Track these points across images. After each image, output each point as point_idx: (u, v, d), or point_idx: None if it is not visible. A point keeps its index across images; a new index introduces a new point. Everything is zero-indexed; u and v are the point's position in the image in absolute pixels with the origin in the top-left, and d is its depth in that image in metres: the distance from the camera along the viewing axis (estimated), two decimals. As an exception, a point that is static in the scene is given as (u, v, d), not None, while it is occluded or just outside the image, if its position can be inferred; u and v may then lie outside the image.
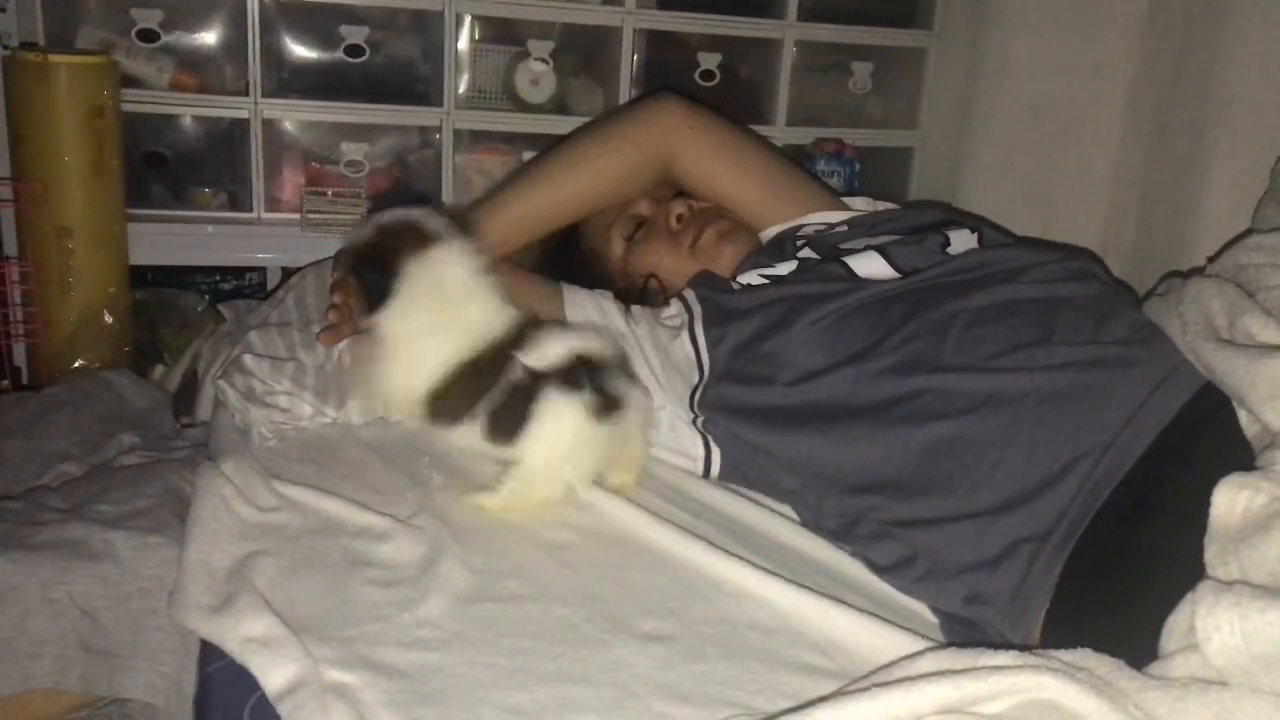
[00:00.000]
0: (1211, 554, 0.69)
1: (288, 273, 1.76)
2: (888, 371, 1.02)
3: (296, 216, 1.73)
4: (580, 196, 1.30)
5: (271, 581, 0.90)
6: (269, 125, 1.71)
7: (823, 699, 0.67)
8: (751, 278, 1.22)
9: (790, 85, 1.92)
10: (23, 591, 0.98)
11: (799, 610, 0.90)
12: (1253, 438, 0.82)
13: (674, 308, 1.24)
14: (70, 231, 1.49)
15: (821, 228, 1.30)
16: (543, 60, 1.80)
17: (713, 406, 1.14)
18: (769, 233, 1.35)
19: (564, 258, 1.40)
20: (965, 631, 0.91)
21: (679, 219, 1.35)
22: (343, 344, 1.16)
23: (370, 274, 1.06)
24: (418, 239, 1.06)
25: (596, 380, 1.00)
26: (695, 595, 0.93)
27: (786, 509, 1.11)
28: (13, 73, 1.47)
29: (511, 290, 1.26)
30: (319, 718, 0.73)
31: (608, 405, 1.00)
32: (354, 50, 1.72)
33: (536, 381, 1.00)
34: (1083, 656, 0.67)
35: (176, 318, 1.66)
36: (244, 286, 1.86)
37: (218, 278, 1.85)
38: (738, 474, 1.16)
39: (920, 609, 0.96)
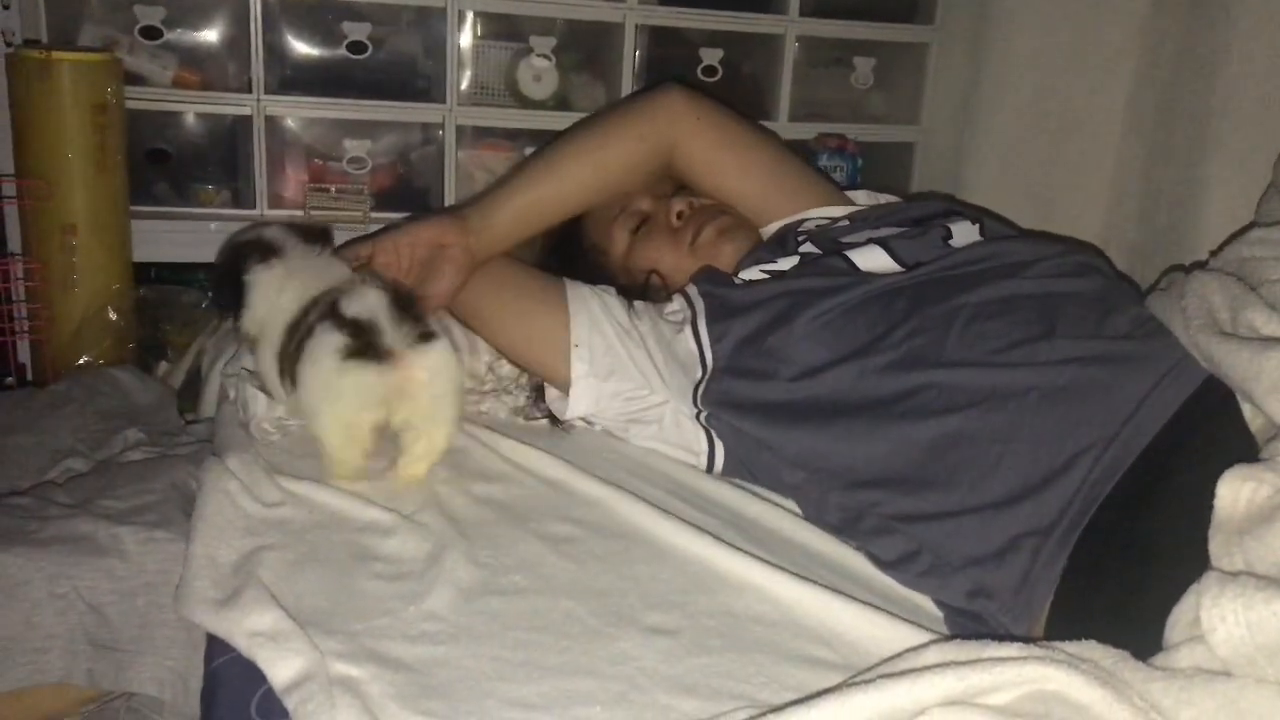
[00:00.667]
0: (1216, 546, 0.69)
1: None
2: (890, 367, 1.02)
3: (300, 213, 1.73)
4: (583, 189, 1.30)
5: (277, 576, 0.91)
6: (272, 122, 1.71)
7: (827, 691, 0.67)
8: (753, 273, 1.22)
9: (792, 81, 1.92)
10: (30, 587, 0.99)
11: (803, 603, 0.91)
12: (1256, 430, 0.82)
13: (676, 303, 1.24)
14: (74, 228, 1.49)
15: (824, 222, 1.31)
16: (545, 56, 1.80)
17: (716, 401, 1.14)
18: (771, 228, 1.35)
19: (567, 253, 1.40)
20: (969, 624, 0.91)
21: (679, 216, 1.35)
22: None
23: (223, 290, 1.14)
24: (261, 251, 1.13)
25: (357, 330, 1.03)
26: (699, 589, 0.93)
27: (790, 503, 1.11)
28: (16, 70, 1.47)
29: (512, 283, 1.26)
30: (326, 711, 0.74)
31: (361, 350, 1.02)
32: (356, 47, 1.72)
33: (316, 323, 1.04)
34: (1087, 648, 0.67)
35: (180, 314, 1.67)
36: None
37: (221, 274, 1.85)
38: (741, 469, 1.16)
39: (924, 602, 0.96)
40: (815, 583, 0.93)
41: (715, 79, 1.90)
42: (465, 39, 1.77)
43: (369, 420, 1.05)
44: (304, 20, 1.71)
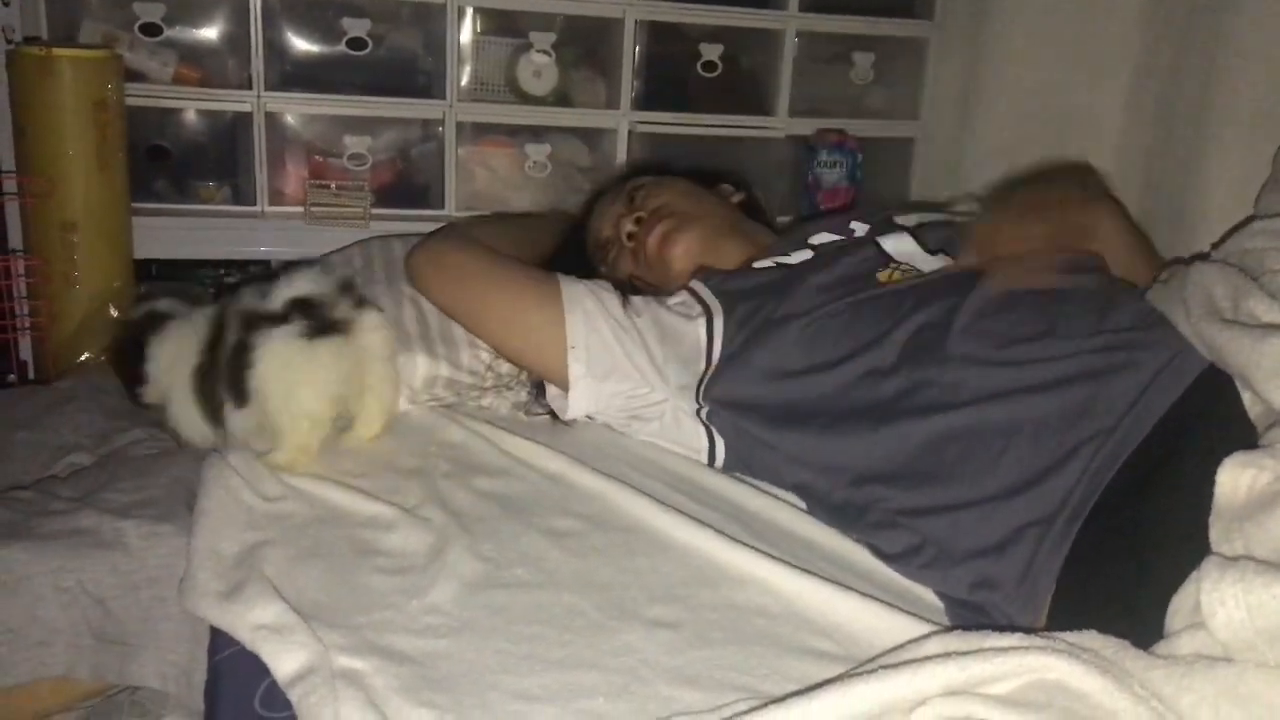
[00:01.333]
0: (1216, 533, 0.69)
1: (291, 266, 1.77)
2: (893, 365, 1.03)
3: (300, 210, 1.73)
4: None
5: (280, 570, 0.91)
6: (272, 119, 1.71)
7: (829, 682, 0.68)
8: (766, 263, 1.23)
9: (792, 76, 1.92)
10: (34, 581, 0.99)
11: (804, 596, 0.91)
12: (1256, 418, 0.82)
13: (680, 296, 1.24)
14: (75, 225, 1.49)
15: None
16: (545, 52, 1.80)
17: (717, 399, 1.15)
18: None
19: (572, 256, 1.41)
20: (971, 616, 0.91)
21: (629, 236, 1.36)
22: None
23: (129, 354, 1.20)
24: (153, 323, 1.19)
25: (306, 312, 1.06)
26: (701, 582, 0.93)
27: (791, 496, 1.11)
28: (16, 67, 1.47)
29: (508, 283, 1.26)
30: (330, 703, 0.74)
31: (321, 328, 1.06)
32: (356, 43, 1.72)
33: (247, 334, 1.07)
34: (1088, 637, 0.67)
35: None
36: (248, 280, 1.86)
37: (222, 271, 1.85)
38: (742, 465, 1.16)
39: (925, 593, 0.96)
40: (817, 575, 0.93)
41: (715, 74, 1.90)
42: (465, 35, 1.77)
43: (342, 396, 1.08)
44: (304, 16, 1.71)
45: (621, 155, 1.86)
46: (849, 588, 0.92)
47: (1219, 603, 0.61)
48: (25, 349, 1.57)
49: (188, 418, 1.16)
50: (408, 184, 1.83)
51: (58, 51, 1.45)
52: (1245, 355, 0.80)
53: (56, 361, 1.52)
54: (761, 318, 1.14)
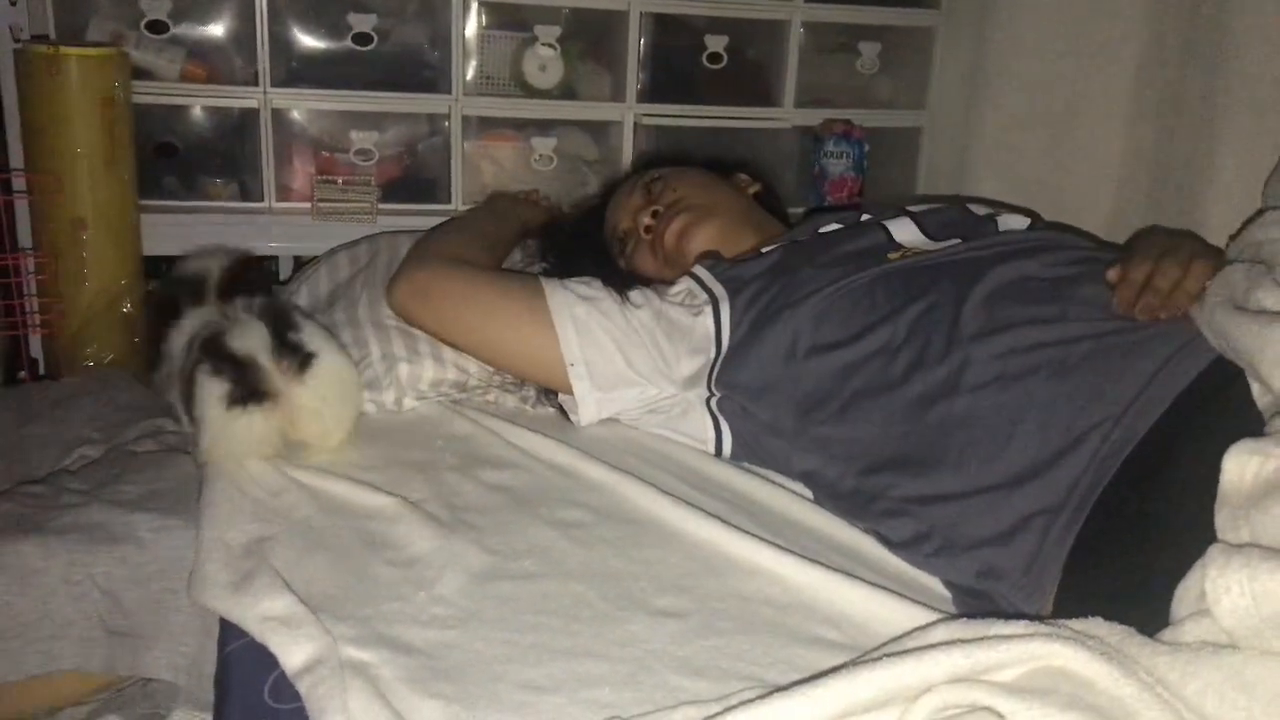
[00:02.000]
0: (1222, 520, 0.69)
1: (300, 262, 1.77)
2: (901, 348, 1.02)
3: (307, 205, 1.74)
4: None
5: (287, 562, 0.92)
6: (278, 115, 1.71)
7: (834, 670, 0.68)
8: (773, 248, 1.23)
9: (798, 67, 1.92)
10: (45, 574, 0.99)
11: (811, 585, 0.91)
12: (1264, 407, 0.81)
13: (681, 284, 1.24)
14: (84, 223, 1.50)
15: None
16: (550, 45, 1.80)
17: (728, 384, 1.15)
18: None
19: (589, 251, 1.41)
20: (978, 605, 0.91)
21: (647, 230, 1.35)
22: None
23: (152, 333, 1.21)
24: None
25: (238, 374, 1.06)
26: (708, 572, 0.93)
27: (798, 486, 1.11)
28: (25, 66, 1.48)
29: (500, 308, 1.25)
30: (338, 695, 0.74)
31: (245, 396, 1.06)
32: (362, 39, 1.72)
33: (196, 364, 1.08)
34: (1093, 624, 0.67)
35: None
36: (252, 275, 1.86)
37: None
38: (749, 454, 1.16)
39: (932, 582, 0.96)
40: (823, 565, 0.93)
41: (720, 66, 1.89)
42: (470, 29, 1.77)
43: (265, 455, 1.09)
44: (309, 12, 1.71)
45: (627, 148, 1.85)
46: (856, 577, 0.92)
47: (1224, 590, 0.61)
48: (35, 346, 1.58)
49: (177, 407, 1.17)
50: (414, 179, 1.83)
51: (65, 50, 1.45)
52: (1251, 342, 0.80)
53: (66, 358, 1.53)
54: (768, 298, 1.14)
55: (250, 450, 1.08)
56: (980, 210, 1.24)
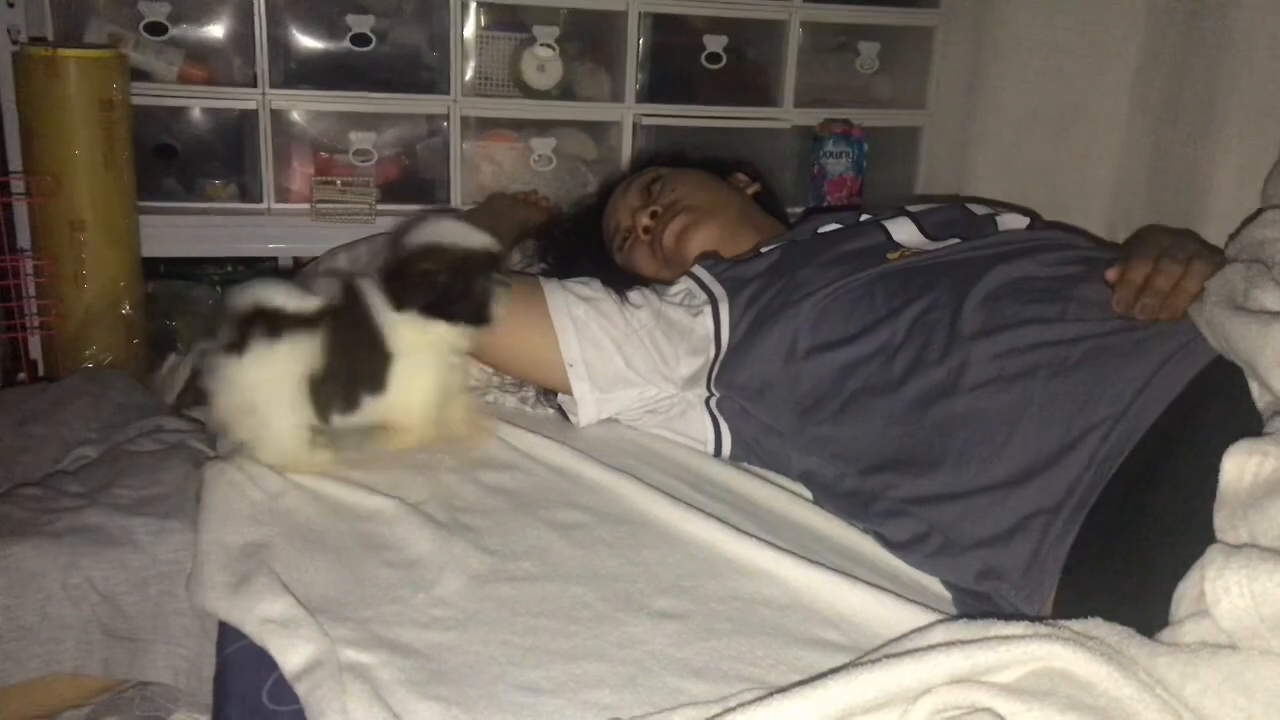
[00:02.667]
0: (1221, 520, 0.69)
1: (299, 263, 1.77)
2: (900, 348, 1.02)
3: (306, 206, 1.74)
4: None
5: (286, 564, 0.91)
6: (277, 116, 1.71)
7: (834, 671, 0.68)
8: (772, 248, 1.23)
9: (797, 66, 1.92)
10: (44, 578, 0.99)
11: (810, 586, 0.91)
12: (1263, 408, 0.81)
13: (680, 284, 1.24)
14: (82, 224, 1.50)
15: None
16: (549, 46, 1.80)
17: (728, 384, 1.14)
18: None
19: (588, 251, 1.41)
20: (978, 605, 0.91)
21: (646, 230, 1.35)
22: None
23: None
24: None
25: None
26: (707, 573, 0.93)
27: (797, 487, 1.11)
28: (23, 67, 1.48)
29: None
30: (337, 697, 0.74)
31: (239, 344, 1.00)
32: (360, 40, 1.72)
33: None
34: (1093, 625, 0.67)
35: (189, 309, 1.68)
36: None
37: (229, 269, 1.86)
38: (749, 455, 1.16)
39: (932, 583, 0.96)
40: (823, 566, 0.93)
41: (719, 66, 1.89)
42: (469, 30, 1.77)
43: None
44: (308, 14, 1.72)
45: (626, 148, 1.86)
46: (855, 578, 0.91)
47: (1223, 590, 0.61)
48: (34, 347, 1.58)
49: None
50: (413, 179, 1.83)
51: (64, 51, 1.45)
52: (1251, 343, 0.80)
53: (65, 360, 1.53)
54: (768, 298, 1.14)
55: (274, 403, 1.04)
56: (980, 210, 1.23)
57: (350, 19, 1.71)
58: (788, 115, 1.94)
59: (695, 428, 1.18)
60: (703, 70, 1.89)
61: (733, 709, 0.65)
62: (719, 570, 0.94)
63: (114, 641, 1.02)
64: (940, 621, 0.74)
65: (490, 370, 1.30)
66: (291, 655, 0.79)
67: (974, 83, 1.89)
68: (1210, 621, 0.62)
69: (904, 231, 1.19)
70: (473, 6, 1.76)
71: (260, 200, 1.74)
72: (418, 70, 1.79)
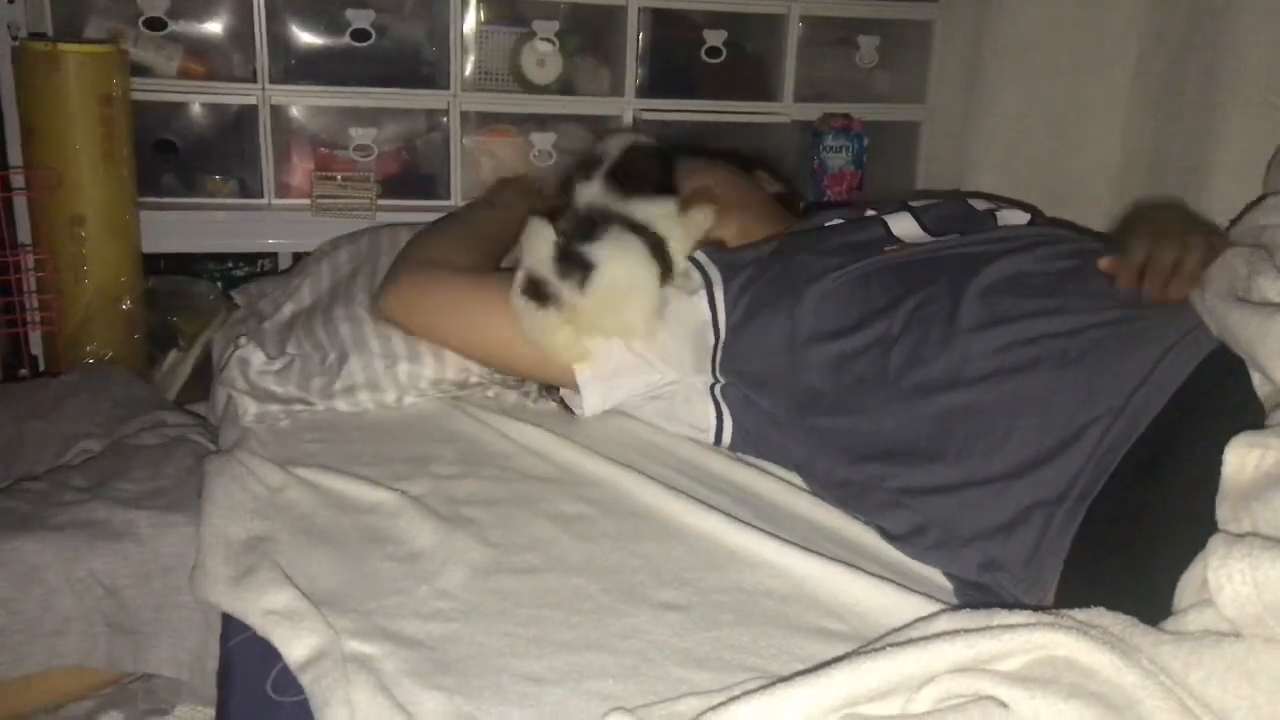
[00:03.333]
0: (1224, 512, 0.69)
1: (299, 258, 1.77)
2: (898, 340, 1.02)
3: (307, 202, 1.74)
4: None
5: (289, 557, 0.92)
6: (277, 111, 1.71)
7: (837, 660, 0.68)
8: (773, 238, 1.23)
9: (796, 60, 1.92)
10: (47, 571, 1.00)
11: (813, 577, 0.91)
12: (1264, 398, 0.82)
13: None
14: (83, 220, 1.50)
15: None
16: (548, 41, 1.80)
17: (730, 371, 1.15)
18: None
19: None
20: (980, 596, 0.91)
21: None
22: None
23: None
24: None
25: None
26: (710, 564, 0.93)
27: (799, 479, 1.11)
28: (23, 63, 1.48)
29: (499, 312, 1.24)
30: (341, 688, 0.74)
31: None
32: (360, 35, 1.72)
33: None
34: (1096, 614, 0.67)
35: (189, 305, 1.68)
36: (256, 273, 1.87)
37: (230, 264, 1.86)
38: (749, 443, 1.16)
39: (934, 574, 0.96)
40: (825, 557, 0.93)
41: (719, 60, 1.89)
42: (468, 24, 1.77)
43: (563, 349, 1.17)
44: (307, 9, 1.71)
45: (626, 143, 1.85)
46: (858, 568, 0.92)
47: (1226, 579, 0.61)
48: (35, 343, 1.58)
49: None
50: (413, 174, 1.83)
51: (63, 47, 1.45)
52: (1252, 332, 0.80)
53: (66, 355, 1.53)
54: (764, 281, 1.13)
55: (547, 340, 1.15)
56: (981, 205, 1.23)
57: (350, 14, 1.71)
58: (787, 109, 1.93)
59: (697, 414, 1.18)
60: (702, 64, 1.89)
61: (737, 698, 0.65)
62: (721, 562, 0.94)
63: (117, 634, 1.02)
64: (943, 611, 0.74)
65: (495, 372, 1.30)
66: (296, 646, 0.79)
67: (973, 77, 1.88)
68: (1213, 610, 0.63)
69: (903, 226, 1.19)
70: (472, 1, 1.76)
71: (261, 196, 1.74)
72: (417, 65, 1.79)
